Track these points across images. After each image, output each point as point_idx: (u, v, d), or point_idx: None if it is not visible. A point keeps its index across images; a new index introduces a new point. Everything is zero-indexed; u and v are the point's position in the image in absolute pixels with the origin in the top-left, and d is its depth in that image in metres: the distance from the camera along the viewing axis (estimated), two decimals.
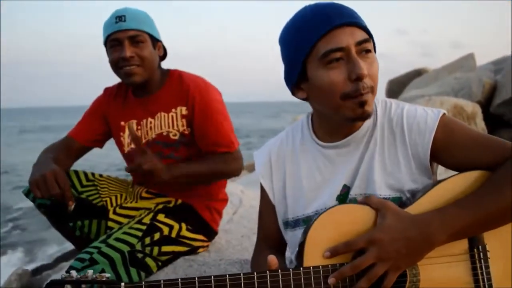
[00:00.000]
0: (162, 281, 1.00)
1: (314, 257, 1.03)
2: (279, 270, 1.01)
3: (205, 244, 2.05)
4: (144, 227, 1.79)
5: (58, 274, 2.93)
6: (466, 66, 7.56)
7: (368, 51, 1.10)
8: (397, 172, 1.16)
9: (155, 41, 1.94)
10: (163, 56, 2.03)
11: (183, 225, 1.91)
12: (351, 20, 1.10)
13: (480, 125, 5.02)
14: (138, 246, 1.74)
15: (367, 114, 1.12)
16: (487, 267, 1.04)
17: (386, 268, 0.99)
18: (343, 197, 1.20)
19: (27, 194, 1.96)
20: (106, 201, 2.01)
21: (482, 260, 1.04)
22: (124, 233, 1.76)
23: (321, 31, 1.09)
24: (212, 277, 1.00)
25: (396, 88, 9.52)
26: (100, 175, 2.10)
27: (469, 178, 1.09)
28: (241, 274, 1.00)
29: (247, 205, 2.98)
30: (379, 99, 1.25)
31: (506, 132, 5.45)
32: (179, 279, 1.00)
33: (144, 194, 2.05)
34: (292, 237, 1.28)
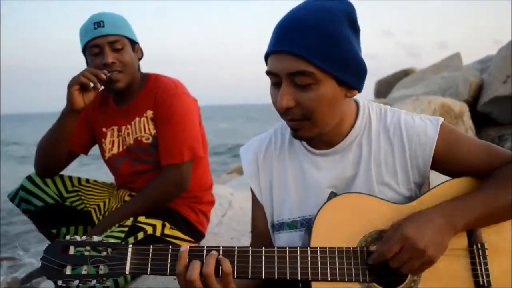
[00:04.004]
0: (170, 247, 1.03)
1: (321, 241, 1.05)
2: (287, 248, 1.04)
3: (191, 245, 2.02)
4: (126, 229, 1.77)
5: (47, 281, 2.89)
6: (452, 65, 7.63)
7: (304, 86, 1.04)
8: (394, 183, 1.15)
9: (134, 44, 1.93)
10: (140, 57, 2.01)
11: (167, 224, 1.89)
12: (286, 49, 1.03)
13: (467, 124, 5.06)
14: None
15: (300, 138, 1.14)
16: (486, 263, 1.07)
17: (420, 263, 1.01)
18: None
19: (12, 199, 1.96)
20: (94, 208, 2.00)
21: (481, 257, 1.07)
22: (106, 236, 1.73)
23: (267, 50, 1.09)
24: (221, 246, 1.04)
25: (384, 88, 9.58)
26: (87, 180, 2.09)
27: (464, 183, 1.14)
28: (250, 248, 1.04)
29: (237, 207, 2.96)
30: (373, 105, 1.23)
31: (493, 130, 5.50)
32: (189, 247, 1.03)
33: (127, 198, 2.03)
34: (276, 240, 1.25)
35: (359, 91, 1.12)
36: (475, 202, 1.06)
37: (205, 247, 1.03)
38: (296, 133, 1.12)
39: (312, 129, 1.10)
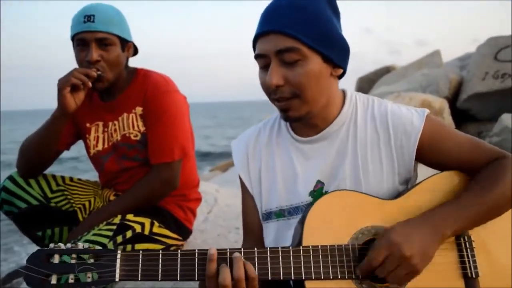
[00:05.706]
0: (160, 251, 1.01)
1: (312, 238, 1.05)
2: (279, 248, 1.03)
3: (179, 243, 2.01)
4: (114, 227, 1.74)
5: None
6: (432, 62, 7.74)
7: (291, 62, 1.08)
8: (379, 172, 1.17)
9: (125, 42, 1.87)
10: (135, 53, 1.97)
11: (155, 222, 1.87)
12: (273, 28, 1.09)
13: (447, 120, 5.15)
14: (110, 246, 1.70)
15: (290, 118, 1.15)
16: (473, 255, 1.09)
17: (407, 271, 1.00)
18: (317, 193, 1.19)
19: None
20: (79, 208, 1.98)
21: (468, 249, 1.09)
22: (94, 234, 1.71)
23: (255, 35, 1.13)
24: (196, 250, 1.02)
25: (366, 85, 9.67)
26: (71, 179, 2.05)
27: (450, 178, 1.15)
28: (242, 249, 1.03)
29: (222, 204, 2.97)
30: (360, 95, 1.25)
31: (472, 126, 5.61)
32: (179, 251, 1.02)
33: (112, 198, 2.01)
34: (264, 230, 1.26)
35: (344, 70, 1.17)
36: (463, 209, 1.07)
37: (228, 250, 1.02)
38: (286, 114, 1.14)
39: (302, 107, 1.12)
